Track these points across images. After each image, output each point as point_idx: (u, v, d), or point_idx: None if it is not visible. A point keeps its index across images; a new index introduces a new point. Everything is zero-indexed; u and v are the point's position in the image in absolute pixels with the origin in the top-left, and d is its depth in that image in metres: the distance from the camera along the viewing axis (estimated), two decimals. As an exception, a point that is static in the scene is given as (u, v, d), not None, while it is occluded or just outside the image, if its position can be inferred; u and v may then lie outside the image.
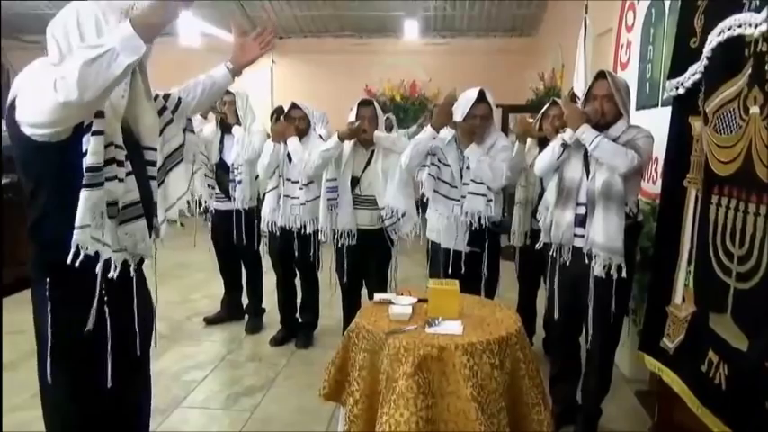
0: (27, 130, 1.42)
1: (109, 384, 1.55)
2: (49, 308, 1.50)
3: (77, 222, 1.43)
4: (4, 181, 4.42)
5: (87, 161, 1.43)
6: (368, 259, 3.39)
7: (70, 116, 1.38)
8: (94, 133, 1.44)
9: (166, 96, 1.82)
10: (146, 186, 1.64)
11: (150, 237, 1.65)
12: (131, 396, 1.73)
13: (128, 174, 1.55)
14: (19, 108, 1.42)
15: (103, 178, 1.46)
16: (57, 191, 1.48)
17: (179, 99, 1.85)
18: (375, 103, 3.39)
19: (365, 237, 3.34)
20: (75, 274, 1.46)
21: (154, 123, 1.68)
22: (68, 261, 1.44)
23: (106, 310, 1.53)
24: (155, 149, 1.68)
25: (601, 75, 2.50)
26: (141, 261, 1.68)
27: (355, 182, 3.32)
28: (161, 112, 1.75)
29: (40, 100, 1.35)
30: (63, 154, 1.44)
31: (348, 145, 3.29)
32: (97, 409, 1.59)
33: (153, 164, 1.68)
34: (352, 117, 3.30)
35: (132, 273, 1.61)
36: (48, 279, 1.51)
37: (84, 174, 1.43)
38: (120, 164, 1.52)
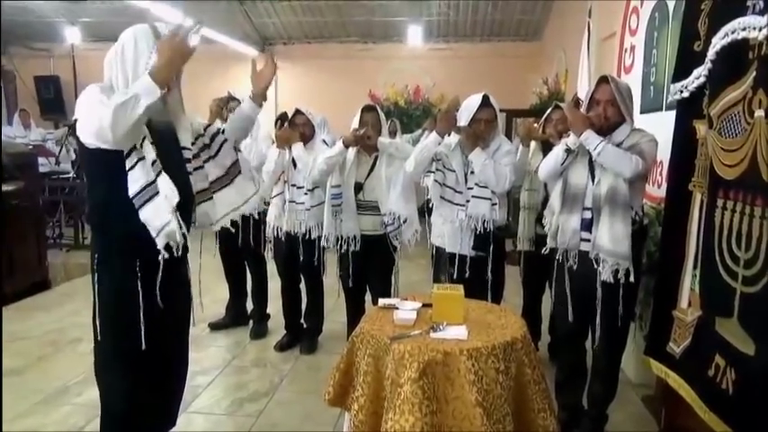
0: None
1: (143, 346, 1.86)
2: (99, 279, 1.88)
3: (157, 225, 1.81)
4: (8, 188, 4.45)
5: (130, 190, 1.78)
6: (371, 265, 3.39)
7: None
8: (131, 167, 1.78)
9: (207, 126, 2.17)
10: (184, 182, 1.92)
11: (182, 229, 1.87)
12: (171, 365, 2.08)
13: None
14: (79, 132, 1.79)
15: (151, 194, 1.79)
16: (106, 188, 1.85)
17: (219, 129, 2.19)
18: (378, 109, 3.40)
19: (369, 242, 3.35)
20: (123, 254, 1.86)
21: (188, 127, 2.01)
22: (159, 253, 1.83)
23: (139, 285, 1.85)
24: (189, 149, 2.01)
25: (603, 79, 2.50)
26: (185, 249, 1.94)
27: (359, 188, 3.33)
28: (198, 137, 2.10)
29: (89, 135, 1.75)
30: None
31: (352, 151, 3.30)
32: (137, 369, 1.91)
33: (188, 161, 1.99)
34: (355, 123, 3.31)
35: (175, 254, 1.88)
36: (98, 257, 1.89)
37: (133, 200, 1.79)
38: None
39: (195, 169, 2.03)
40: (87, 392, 3.07)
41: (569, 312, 2.60)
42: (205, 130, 2.12)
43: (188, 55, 1.79)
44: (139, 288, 1.84)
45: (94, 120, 1.69)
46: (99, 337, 1.90)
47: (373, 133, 3.25)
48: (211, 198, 2.10)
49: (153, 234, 1.80)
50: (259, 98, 2.19)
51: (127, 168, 1.77)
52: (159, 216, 1.80)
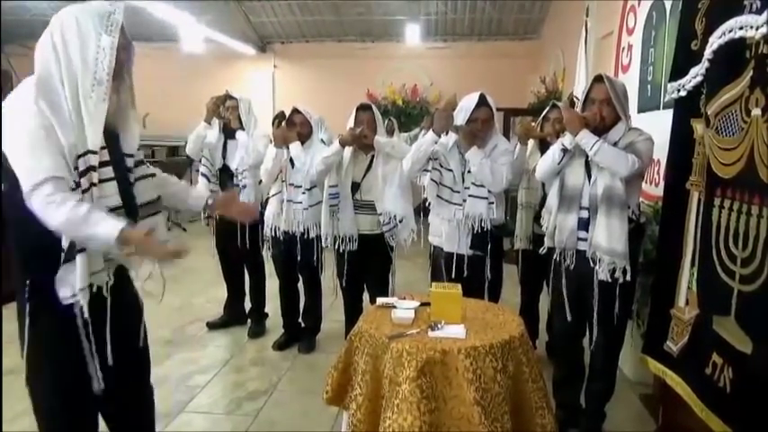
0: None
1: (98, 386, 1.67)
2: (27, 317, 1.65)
3: (79, 285, 1.59)
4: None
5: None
6: (369, 264, 3.39)
7: None
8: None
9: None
10: (127, 192, 1.73)
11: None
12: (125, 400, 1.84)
13: (108, 179, 1.64)
14: (9, 161, 1.54)
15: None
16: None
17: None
18: (374, 108, 3.39)
19: (366, 242, 3.35)
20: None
21: (136, 133, 1.77)
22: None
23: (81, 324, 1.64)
24: (133, 156, 1.77)
25: (598, 78, 2.50)
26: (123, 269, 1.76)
27: (356, 187, 3.33)
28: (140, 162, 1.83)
29: (24, 183, 1.51)
30: None
31: (348, 150, 3.30)
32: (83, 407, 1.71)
33: (131, 170, 1.76)
34: (351, 122, 3.31)
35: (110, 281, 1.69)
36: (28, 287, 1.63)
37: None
38: (94, 168, 1.59)
39: (138, 179, 1.78)
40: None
41: (567, 311, 2.61)
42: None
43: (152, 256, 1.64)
44: (81, 325, 1.64)
45: (37, 199, 1.49)
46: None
47: (369, 132, 3.26)
48: (159, 212, 1.85)
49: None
50: (210, 210, 2.11)
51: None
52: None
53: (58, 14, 1.59)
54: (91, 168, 1.57)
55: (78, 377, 1.68)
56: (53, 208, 1.50)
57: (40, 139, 1.50)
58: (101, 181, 1.61)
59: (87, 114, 1.56)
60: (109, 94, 1.58)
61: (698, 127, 2.17)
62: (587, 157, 2.46)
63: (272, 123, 3.98)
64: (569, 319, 2.61)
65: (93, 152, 1.57)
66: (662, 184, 2.76)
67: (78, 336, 1.65)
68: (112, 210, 1.63)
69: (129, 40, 1.66)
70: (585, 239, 2.48)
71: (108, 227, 1.53)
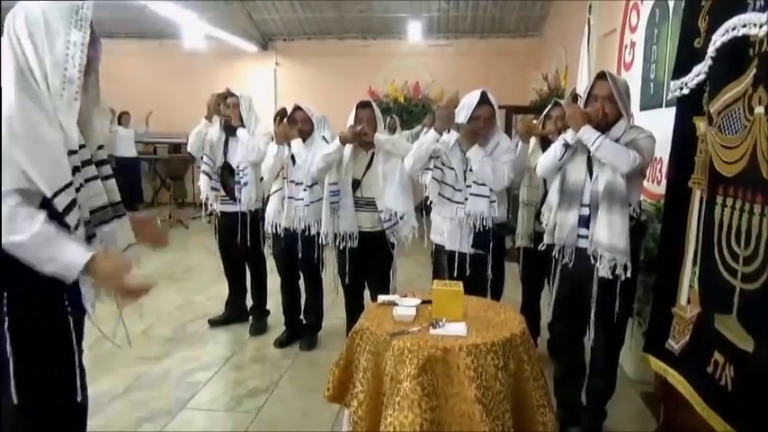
0: None
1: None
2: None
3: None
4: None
5: None
6: (370, 261, 3.40)
7: None
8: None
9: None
10: (107, 186, 1.65)
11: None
12: None
13: (93, 178, 1.58)
14: None
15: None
16: None
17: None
18: (374, 105, 3.39)
19: (367, 239, 3.35)
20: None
21: (102, 128, 1.68)
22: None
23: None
24: (102, 147, 1.69)
25: (601, 75, 2.49)
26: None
27: (356, 184, 3.33)
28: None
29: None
30: None
31: (349, 148, 3.30)
32: None
33: (104, 163, 1.69)
34: (351, 119, 3.31)
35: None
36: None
37: None
38: (78, 169, 1.52)
39: (104, 179, 1.65)
40: (87, 389, 3.08)
41: (568, 309, 2.60)
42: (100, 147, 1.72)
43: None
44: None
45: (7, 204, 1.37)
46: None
47: (369, 129, 3.25)
48: (115, 218, 1.68)
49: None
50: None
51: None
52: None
53: (22, 5, 1.46)
54: (75, 169, 1.50)
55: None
56: (20, 219, 1.38)
57: (25, 138, 1.40)
58: (86, 180, 1.54)
59: (60, 113, 1.47)
60: (80, 92, 1.50)
61: (700, 125, 2.17)
62: (589, 153, 2.46)
63: (274, 120, 3.98)
64: (570, 317, 2.61)
65: (74, 151, 1.50)
66: (664, 182, 2.75)
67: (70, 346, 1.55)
68: (100, 209, 1.58)
69: (97, 35, 1.58)
70: (586, 237, 2.48)
71: (77, 252, 1.43)
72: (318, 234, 3.46)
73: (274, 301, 4.00)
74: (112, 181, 1.68)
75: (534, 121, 3.50)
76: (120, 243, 1.68)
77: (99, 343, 3.84)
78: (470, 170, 2.93)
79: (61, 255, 1.41)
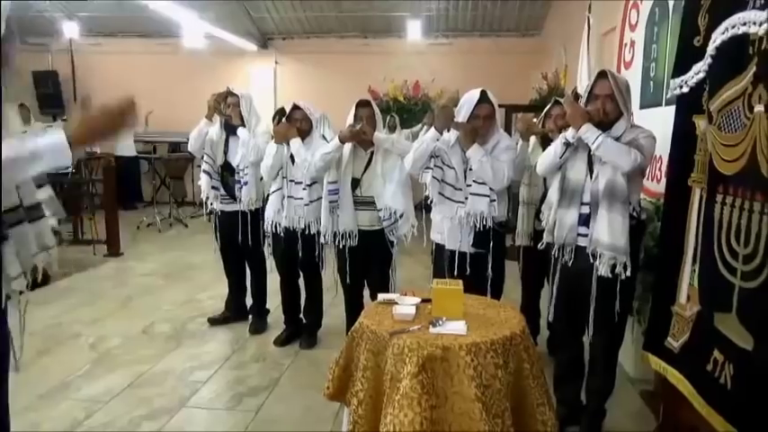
0: None
1: None
2: None
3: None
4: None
5: None
6: (369, 260, 3.40)
7: None
8: None
9: None
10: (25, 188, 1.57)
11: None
12: None
13: None
14: None
15: None
16: None
17: None
18: (373, 104, 3.39)
19: (366, 237, 3.36)
20: None
21: (11, 131, 1.58)
22: None
23: None
24: None
25: (602, 74, 2.49)
26: None
27: (356, 183, 3.34)
28: None
29: None
30: None
31: (348, 147, 3.30)
32: None
33: None
34: (350, 118, 3.31)
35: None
36: None
37: None
38: None
39: None
40: (87, 388, 3.08)
41: (567, 308, 2.60)
42: None
43: (122, 132, 1.49)
44: None
45: None
46: None
47: (369, 128, 3.25)
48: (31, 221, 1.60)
49: None
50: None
51: None
52: None
53: None
54: None
55: None
56: None
57: None
58: None
59: None
60: None
61: (700, 123, 2.17)
62: (589, 152, 2.46)
63: (273, 119, 3.98)
64: (569, 315, 2.61)
65: None
66: (664, 180, 2.75)
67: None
68: (11, 210, 1.49)
69: (13, 31, 1.50)
70: (586, 235, 2.48)
71: (52, 135, 1.37)
72: (318, 233, 3.46)
73: (274, 300, 4.00)
74: (29, 181, 1.56)
75: (534, 120, 3.50)
76: (33, 248, 1.59)
77: (100, 342, 3.85)
78: (470, 169, 2.93)
79: (39, 147, 1.35)
